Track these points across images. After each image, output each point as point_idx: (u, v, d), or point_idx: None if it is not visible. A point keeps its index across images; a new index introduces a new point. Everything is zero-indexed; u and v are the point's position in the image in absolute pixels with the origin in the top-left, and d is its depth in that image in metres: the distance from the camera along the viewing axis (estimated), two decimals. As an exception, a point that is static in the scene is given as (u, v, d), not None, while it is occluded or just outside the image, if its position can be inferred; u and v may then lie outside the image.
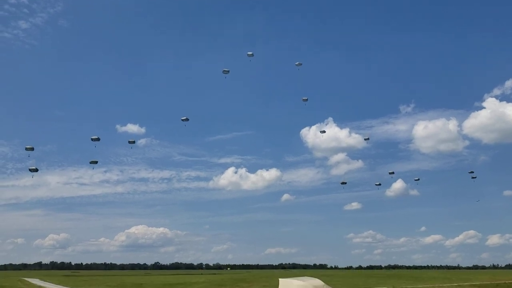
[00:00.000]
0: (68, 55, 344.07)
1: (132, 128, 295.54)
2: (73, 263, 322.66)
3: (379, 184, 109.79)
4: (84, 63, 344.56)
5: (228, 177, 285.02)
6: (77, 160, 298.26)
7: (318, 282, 5.17)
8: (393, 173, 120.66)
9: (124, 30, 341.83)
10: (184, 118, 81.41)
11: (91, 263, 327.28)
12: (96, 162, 76.62)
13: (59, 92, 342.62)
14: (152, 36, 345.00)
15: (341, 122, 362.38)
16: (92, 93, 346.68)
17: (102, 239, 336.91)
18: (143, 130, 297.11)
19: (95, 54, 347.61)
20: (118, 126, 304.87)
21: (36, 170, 68.55)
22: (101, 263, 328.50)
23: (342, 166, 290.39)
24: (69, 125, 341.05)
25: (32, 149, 67.41)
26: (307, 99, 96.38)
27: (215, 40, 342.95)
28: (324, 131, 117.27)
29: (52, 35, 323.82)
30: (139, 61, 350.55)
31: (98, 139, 71.77)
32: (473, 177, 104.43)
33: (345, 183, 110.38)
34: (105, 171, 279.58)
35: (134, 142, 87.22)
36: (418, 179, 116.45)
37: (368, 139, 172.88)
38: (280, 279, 5.55)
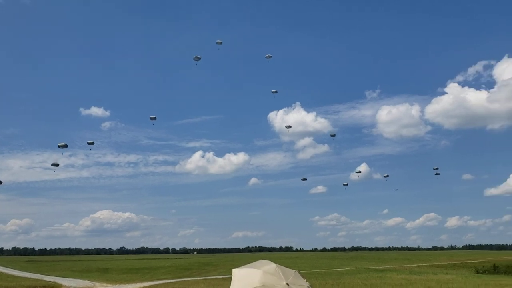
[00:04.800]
0: (30, 34, 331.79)
1: (96, 111, 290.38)
2: (36, 249, 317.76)
3: (346, 184, 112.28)
4: (46, 44, 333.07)
5: (195, 161, 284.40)
6: (41, 144, 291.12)
7: (271, 265, 5.36)
8: (360, 172, 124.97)
9: (89, 10, 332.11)
10: (153, 117, 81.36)
11: (55, 248, 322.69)
12: (57, 165, 74.95)
13: (21, 74, 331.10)
14: (118, 17, 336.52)
15: (308, 106, 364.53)
16: (55, 74, 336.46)
17: (66, 224, 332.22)
18: (107, 113, 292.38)
19: (58, 34, 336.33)
20: (81, 109, 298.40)
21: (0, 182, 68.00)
22: (66, 248, 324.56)
23: (308, 150, 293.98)
24: (32, 107, 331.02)
25: None
26: (276, 91, 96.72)
27: (184, 23, 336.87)
28: (290, 126, 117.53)
29: (13, 12, 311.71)
30: (103, 43, 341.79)
31: (65, 146, 70.54)
32: (436, 174, 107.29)
33: (305, 179, 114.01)
34: (70, 155, 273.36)
35: (93, 143, 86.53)
36: (388, 176, 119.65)
37: (334, 135, 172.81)
38: (233, 269, 5.63)
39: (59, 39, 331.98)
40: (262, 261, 5.92)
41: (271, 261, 5.93)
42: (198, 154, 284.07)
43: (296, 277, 5.56)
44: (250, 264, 5.88)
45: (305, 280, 5.74)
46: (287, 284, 5.25)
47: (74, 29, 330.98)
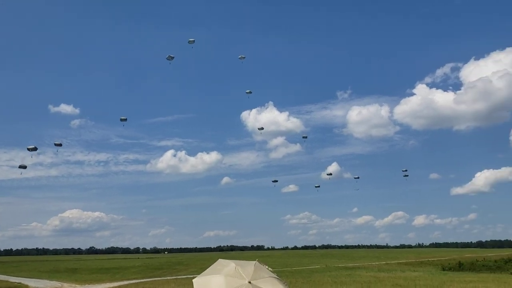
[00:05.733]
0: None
1: (66, 108, 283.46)
2: (1, 249, 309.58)
3: (318, 186, 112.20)
4: (15, 40, 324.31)
5: (166, 160, 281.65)
6: (8, 142, 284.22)
7: (230, 266, 5.20)
8: (330, 174, 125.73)
9: (58, 8, 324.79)
10: (123, 118, 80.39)
11: (21, 249, 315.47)
12: (25, 167, 72.94)
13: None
14: (87, 13, 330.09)
15: (281, 106, 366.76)
16: (24, 71, 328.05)
17: (34, 223, 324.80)
18: (77, 111, 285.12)
19: (27, 31, 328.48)
20: (51, 107, 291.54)
21: None
22: (33, 248, 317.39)
23: (280, 150, 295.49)
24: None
25: None
26: (250, 92, 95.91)
27: (156, 21, 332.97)
28: (262, 128, 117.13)
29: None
30: (73, 39, 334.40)
31: (35, 149, 69.14)
32: (405, 175, 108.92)
33: (276, 181, 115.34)
34: (39, 153, 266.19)
35: (60, 145, 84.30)
36: (358, 177, 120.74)
37: (306, 137, 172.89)
38: (193, 280, 5.36)
39: (29, 36, 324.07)
40: (220, 261, 5.91)
41: (233, 259, 5.98)
42: (169, 153, 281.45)
43: (258, 269, 5.60)
44: (209, 269, 5.86)
45: (266, 267, 5.82)
46: (250, 282, 5.33)
47: (43, 26, 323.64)
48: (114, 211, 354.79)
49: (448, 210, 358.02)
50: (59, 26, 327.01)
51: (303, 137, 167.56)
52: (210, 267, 5.93)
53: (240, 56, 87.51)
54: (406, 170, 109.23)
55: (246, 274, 5.46)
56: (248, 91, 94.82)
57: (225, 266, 5.72)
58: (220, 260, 5.99)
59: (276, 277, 5.81)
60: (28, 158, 76.19)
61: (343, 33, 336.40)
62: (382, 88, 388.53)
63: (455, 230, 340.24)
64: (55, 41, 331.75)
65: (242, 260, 6.11)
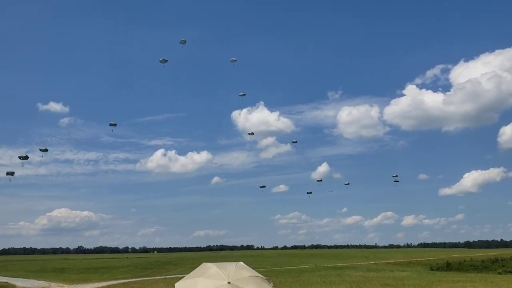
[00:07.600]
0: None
1: (55, 106, 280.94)
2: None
3: (310, 192, 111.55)
4: (2, 39, 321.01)
5: (156, 160, 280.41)
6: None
7: (211, 269, 4.93)
8: (321, 180, 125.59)
9: (50, 5, 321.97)
10: (113, 123, 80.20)
11: (8, 248, 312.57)
12: (12, 173, 72.47)
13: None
14: (79, 11, 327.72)
15: (272, 106, 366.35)
16: (12, 68, 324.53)
17: (21, 222, 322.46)
18: (66, 109, 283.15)
19: (15, 29, 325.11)
20: (39, 105, 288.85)
21: None
22: (20, 248, 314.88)
23: (271, 150, 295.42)
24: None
25: None
26: (244, 94, 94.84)
27: (148, 20, 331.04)
28: (252, 133, 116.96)
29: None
30: (63, 37, 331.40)
31: (26, 157, 69.06)
32: (395, 181, 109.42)
33: (264, 186, 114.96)
34: (27, 152, 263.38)
35: (46, 150, 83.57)
36: (348, 183, 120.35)
37: (296, 142, 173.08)
38: (176, 284, 5.11)
39: (18, 34, 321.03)
40: (203, 265, 5.86)
41: (219, 261, 5.95)
42: (159, 152, 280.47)
43: (240, 268, 5.57)
44: (192, 272, 5.84)
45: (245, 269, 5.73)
46: (229, 282, 5.31)
47: (32, 24, 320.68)
48: (103, 211, 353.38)
49: (436, 211, 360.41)
50: (49, 24, 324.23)
51: (293, 142, 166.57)
52: (193, 270, 5.91)
53: (231, 59, 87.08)
54: (396, 176, 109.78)
55: (226, 275, 5.44)
56: (241, 93, 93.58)
57: (207, 269, 5.70)
58: (203, 263, 5.95)
59: (259, 275, 5.77)
60: (16, 160, 75.64)
61: (335, 34, 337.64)
62: (372, 88, 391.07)
63: (443, 230, 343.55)
64: (45, 39, 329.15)
65: (229, 261, 6.08)
